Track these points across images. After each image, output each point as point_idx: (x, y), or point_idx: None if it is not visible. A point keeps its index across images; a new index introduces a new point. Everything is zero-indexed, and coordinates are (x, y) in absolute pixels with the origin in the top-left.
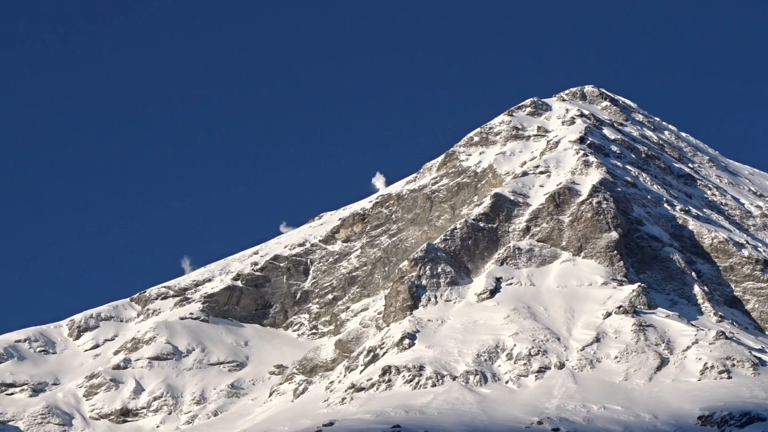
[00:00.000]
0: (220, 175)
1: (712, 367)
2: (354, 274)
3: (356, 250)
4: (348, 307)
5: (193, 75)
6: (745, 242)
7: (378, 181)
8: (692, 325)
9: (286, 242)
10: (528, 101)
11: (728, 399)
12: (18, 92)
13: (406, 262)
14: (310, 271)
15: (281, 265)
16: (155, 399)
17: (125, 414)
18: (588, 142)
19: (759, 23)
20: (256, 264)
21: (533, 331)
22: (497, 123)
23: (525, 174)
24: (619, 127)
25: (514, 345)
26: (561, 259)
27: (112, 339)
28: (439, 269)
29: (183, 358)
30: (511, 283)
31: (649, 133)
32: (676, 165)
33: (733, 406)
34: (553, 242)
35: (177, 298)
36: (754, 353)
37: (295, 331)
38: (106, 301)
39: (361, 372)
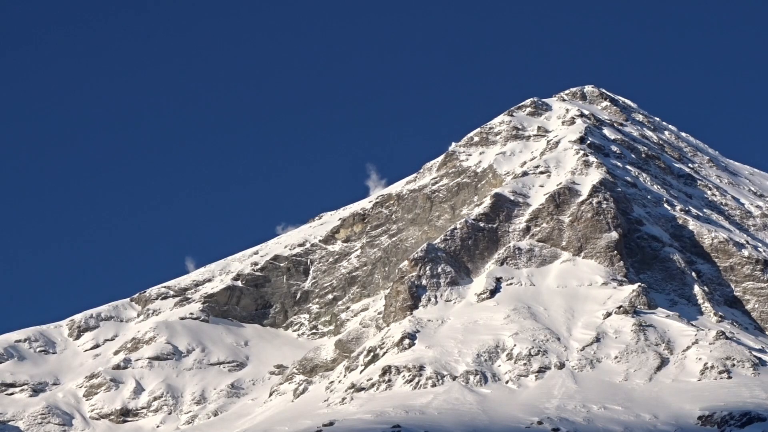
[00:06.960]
0: (220, 175)
1: (712, 367)
2: (354, 274)
3: (356, 250)
4: (348, 307)
5: (193, 74)
6: (745, 242)
7: (373, 182)
8: (692, 325)
9: (286, 242)
10: (528, 101)
11: (728, 399)
12: (19, 92)
13: (406, 262)
14: (310, 271)
15: (281, 265)
16: (155, 399)
17: (125, 414)
18: (588, 142)
19: (759, 23)
20: (256, 264)
21: (533, 331)
22: (497, 123)
23: (525, 174)
24: (619, 127)
25: (514, 345)
26: (561, 259)
27: (112, 339)
28: (439, 269)
29: (183, 358)
30: (511, 283)
31: (649, 133)
32: (676, 165)
33: (733, 406)
34: (553, 242)
35: (177, 298)
36: (754, 353)
37: (295, 331)
38: (106, 301)
39: (361, 372)
